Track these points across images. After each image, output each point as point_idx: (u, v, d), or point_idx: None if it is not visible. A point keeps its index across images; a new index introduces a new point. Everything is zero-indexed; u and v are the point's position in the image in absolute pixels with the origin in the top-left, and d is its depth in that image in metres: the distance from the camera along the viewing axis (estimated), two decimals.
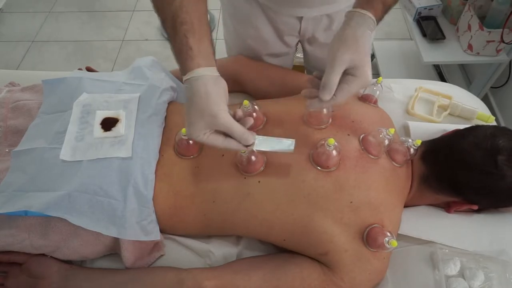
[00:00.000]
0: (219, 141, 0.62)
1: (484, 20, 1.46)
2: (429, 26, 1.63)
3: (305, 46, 1.06)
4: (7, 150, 0.82)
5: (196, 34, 0.61)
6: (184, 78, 0.61)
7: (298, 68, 1.18)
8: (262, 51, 1.01)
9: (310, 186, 0.71)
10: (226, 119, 0.60)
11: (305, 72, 1.22)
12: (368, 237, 0.68)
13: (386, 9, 0.65)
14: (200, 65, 0.60)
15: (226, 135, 0.62)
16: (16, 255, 0.73)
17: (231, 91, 0.66)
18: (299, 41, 1.03)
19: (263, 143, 0.65)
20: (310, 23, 0.92)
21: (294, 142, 0.66)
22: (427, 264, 0.75)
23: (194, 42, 0.60)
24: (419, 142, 0.75)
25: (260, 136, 0.65)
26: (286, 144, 0.66)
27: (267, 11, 0.91)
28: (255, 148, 0.64)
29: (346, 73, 0.62)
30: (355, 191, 0.71)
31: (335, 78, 0.61)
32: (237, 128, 0.61)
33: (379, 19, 0.65)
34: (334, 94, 0.62)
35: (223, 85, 0.63)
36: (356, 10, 0.64)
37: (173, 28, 0.61)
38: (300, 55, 1.24)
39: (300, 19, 0.91)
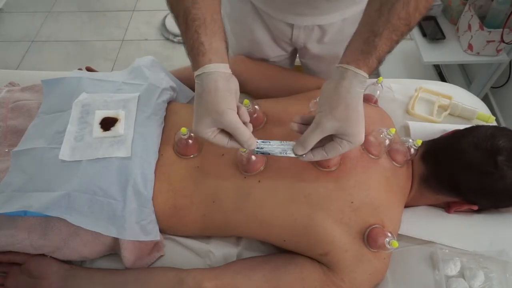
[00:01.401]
0: (225, 142, 0.62)
1: (484, 20, 1.46)
2: (429, 26, 1.63)
3: (300, 59, 1.05)
4: (6, 150, 0.82)
5: (208, 30, 0.60)
6: (195, 74, 0.60)
7: (298, 68, 1.18)
8: (257, 53, 1.00)
9: (310, 186, 0.71)
10: (232, 119, 0.59)
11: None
12: (369, 238, 0.68)
13: (378, 66, 0.60)
14: (211, 60, 0.59)
15: (231, 136, 0.61)
16: (16, 255, 0.72)
17: None
18: (295, 48, 1.02)
19: (265, 147, 0.65)
20: (302, 32, 0.90)
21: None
22: (427, 264, 0.75)
23: (206, 38, 0.59)
24: (419, 142, 0.75)
25: (260, 140, 0.64)
26: (286, 150, 0.65)
27: (261, 14, 0.91)
28: (255, 151, 0.64)
29: (335, 135, 0.60)
30: (355, 191, 0.71)
31: (314, 140, 0.60)
32: (243, 130, 0.60)
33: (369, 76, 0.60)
34: (325, 152, 0.61)
35: (234, 84, 0.62)
36: (349, 68, 0.58)
37: (185, 24, 0.60)
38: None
39: (292, 26, 0.89)
